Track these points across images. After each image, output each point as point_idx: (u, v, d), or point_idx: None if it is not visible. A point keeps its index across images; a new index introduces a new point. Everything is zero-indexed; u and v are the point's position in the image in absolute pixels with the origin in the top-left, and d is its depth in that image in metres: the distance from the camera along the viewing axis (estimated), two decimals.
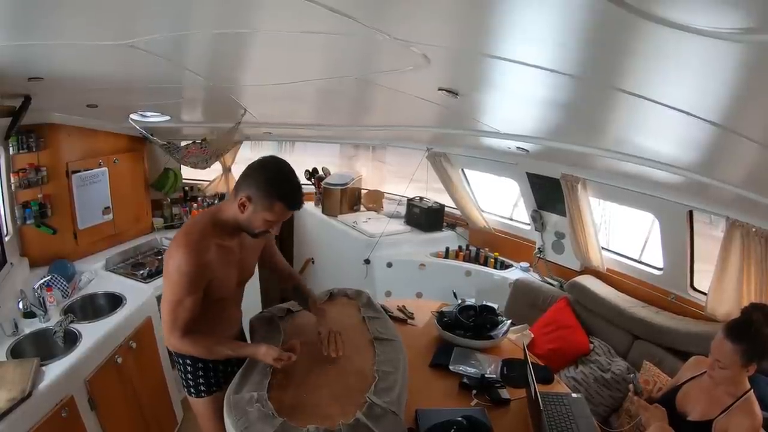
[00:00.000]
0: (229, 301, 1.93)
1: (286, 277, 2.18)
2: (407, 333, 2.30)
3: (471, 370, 2.08)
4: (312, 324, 2.06)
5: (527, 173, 3.52)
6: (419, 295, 3.88)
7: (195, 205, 4.25)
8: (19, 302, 2.54)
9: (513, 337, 2.64)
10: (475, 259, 4.01)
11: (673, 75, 1.17)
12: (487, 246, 4.11)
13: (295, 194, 1.66)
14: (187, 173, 4.46)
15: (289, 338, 1.98)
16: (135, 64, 1.84)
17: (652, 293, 3.03)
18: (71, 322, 2.49)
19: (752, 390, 1.71)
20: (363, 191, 4.89)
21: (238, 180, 1.69)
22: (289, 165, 1.69)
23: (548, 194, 3.48)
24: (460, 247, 4.19)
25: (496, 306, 2.50)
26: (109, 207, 3.45)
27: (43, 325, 2.50)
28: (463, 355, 2.20)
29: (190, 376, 1.90)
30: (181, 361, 1.89)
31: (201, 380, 1.91)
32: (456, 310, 2.42)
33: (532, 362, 1.97)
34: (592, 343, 2.94)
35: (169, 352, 1.92)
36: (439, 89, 1.94)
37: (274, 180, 1.64)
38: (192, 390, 1.92)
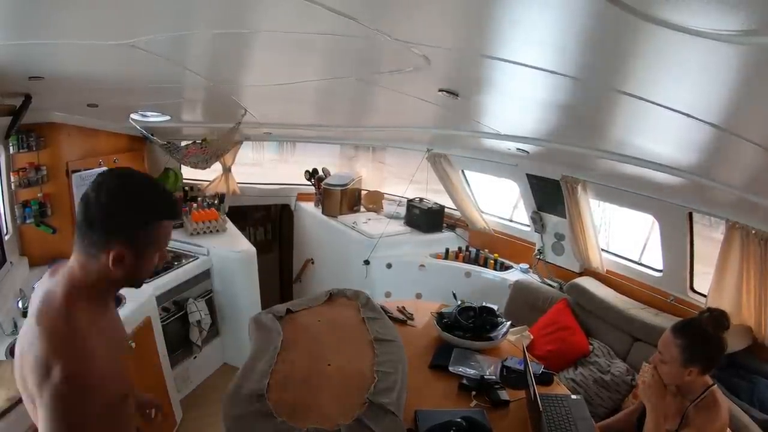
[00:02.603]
0: (128, 409, 1.28)
1: None
2: (407, 334, 2.30)
3: (470, 371, 2.08)
4: (311, 323, 2.07)
5: (527, 174, 3.52)
6: (419, 296, 3.88)
7: (195, 205, 4.25)
8: (18, 301, 2.53)
9: (512, 338, 2.64)
10: (475, 261, 4.01)
11: (673, 77, 1.17)
12: (486, 247, 4.11)
13: (167, 198, 1.19)
14: (187, 173, 4.47)
15: (288, 338, 1.99)
16: (136, 64, 1.84)
17: (651, 295, 3.03)
18: None
19: (714, 386, 1.68)
20: (363, 192, 4.89)
21: (79, 232, 1.11)
22: (133, 173, 1.18)
23: (548, 196, 3.48)
24: (459, 248, 4.19)
25: (495, 307, 2.50)
26: None
27: None
28: (462, 356, 2.20)
29: None
30: None
31: None
32: (456, 311, 2.42)
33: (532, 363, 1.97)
34: (591, 344, 2.94)
35: None
36: (440, 90, 1.94)
37: (145, 205, 1.14)
38: None
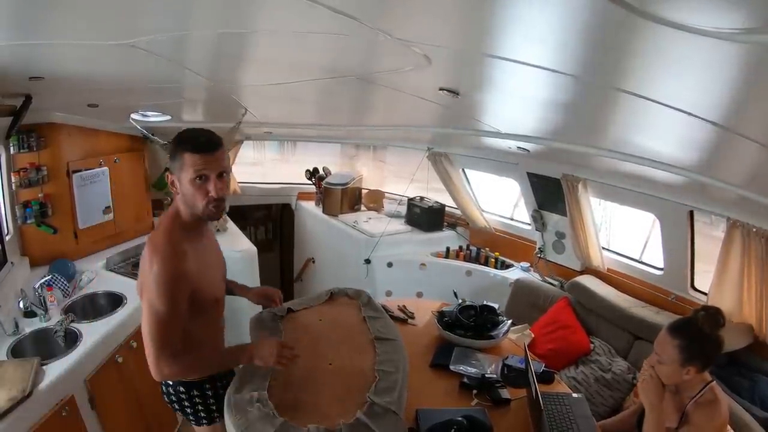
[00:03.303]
0: (219, 309, 1.80)
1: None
2: (408, 333, 2.30)
3: (471, 370, 2.08)
4: (312, 322, 2.07)
5: (528, 173, 3.52)
6: (420, 295, 3.88)
7: None
8: (19, 302, 2.54)
9: (513, 337, 2.63)
10: (476, 259, 4.01)
11: (674, 75, 1.16)
12: (487, 246, 4.11)
13: (200, 137, 1.54)
14: None
15: (289, 337, 1.99)
16: (136, 64, 1.84)
17: (652, 293, 3.03)
18: (72, 321, 2.49)
19: (713, 383, 1.68)
20: (364, 191, 4.89)
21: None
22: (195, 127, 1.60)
23: (549, 194, 3.48)
24: (460, 246, 4.19)
25: (496, 306, 2.50)
26: (109, 206, 3.45)
27: (44, 325, 2.50)
28: (463, 354, 2.20)
29: (187, 404, 1.79)
30: (173, 391, 1.77)
31: (200, 407, 1.80)
32: (456, 309, 2.42)
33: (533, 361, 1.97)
34: (592, 343, 2.94)
35: (168, 386, 1.80)
36: (440, 89, 1.94)
37: (175, 140, 1.58)
38: (191, 418, 1.83)
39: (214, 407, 1.80)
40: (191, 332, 1.61)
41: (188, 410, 1.80)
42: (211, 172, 1.53)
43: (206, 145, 1.52)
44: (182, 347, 1.56)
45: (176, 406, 1.81)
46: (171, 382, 1.75)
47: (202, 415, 1.81)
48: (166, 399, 1.82)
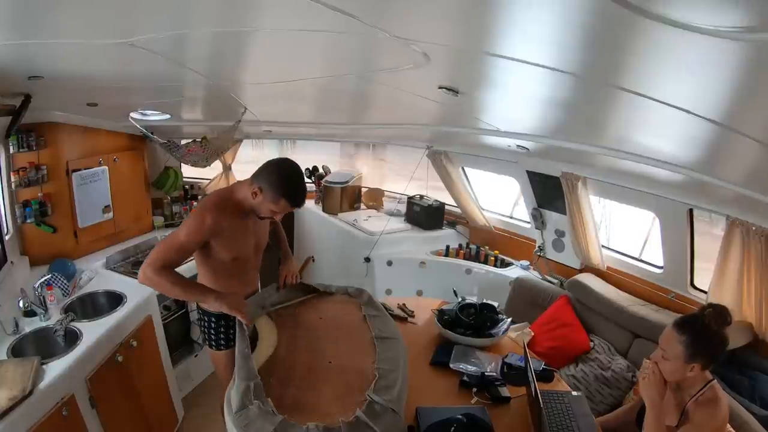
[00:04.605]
0: (248, 265, 2.21)
1: (275, 233, 2.54)
2: (407, 331, 2.30)
3: (471, 368, 2.08)
4: (312, 320, 2.08)
5: (527, 171, 3.52)
6: (419, 294, 3.88)
7: (195, 203, 4.25)
8: (19, 301, 2.54)
9: (513, 335, 2.64)
10: (476, 258, 4.01)
11: (673, 73, 1.16)
12: (487, 244, 4.11)
13: (299, 196, 1.97)
14: (188, 172, 4.47)
15: (288, 335, 1.99)
16: (135, 63, 1.84)
17: (652, 291, 3.03)
18: (72, 320, 2.49)
19: (714, 381, 1.68)
20: (363, 189, 4.89)
21: (257, 170, 1.99)
22: (300, 170, 2.04)
23: (549, 192, 3.47)
24: (460, 245, 4.19)
25: (496, 304, 2.50)
26: (109, 206, 3.45)
27: (44, 324, 2.50)
28: (463, 353, 2.20)
29: (212, 332, 2.23)
30: (206, 318, 2.21)
31: (221, 335, 2.22)
32: (456, 308, 2.43)
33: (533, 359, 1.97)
34: (592, 341, 2.94)
35: (200, 312, 2.26)
36: (440, 87, 1.94)
37: (284, 180, 1.94)
38: (213, 343, 2.26)
39: (213, 335, 2.24)
40: (214, 269, 2.10)
41: (212, 336, 2.24)
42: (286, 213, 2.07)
43: (299, 204, 1.99)
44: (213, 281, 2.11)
45: (203, 330, 2.28)
46: (206, 312, 2.20)
47: (206, 337, 2.28)
48: (200, 323, 2.31)
